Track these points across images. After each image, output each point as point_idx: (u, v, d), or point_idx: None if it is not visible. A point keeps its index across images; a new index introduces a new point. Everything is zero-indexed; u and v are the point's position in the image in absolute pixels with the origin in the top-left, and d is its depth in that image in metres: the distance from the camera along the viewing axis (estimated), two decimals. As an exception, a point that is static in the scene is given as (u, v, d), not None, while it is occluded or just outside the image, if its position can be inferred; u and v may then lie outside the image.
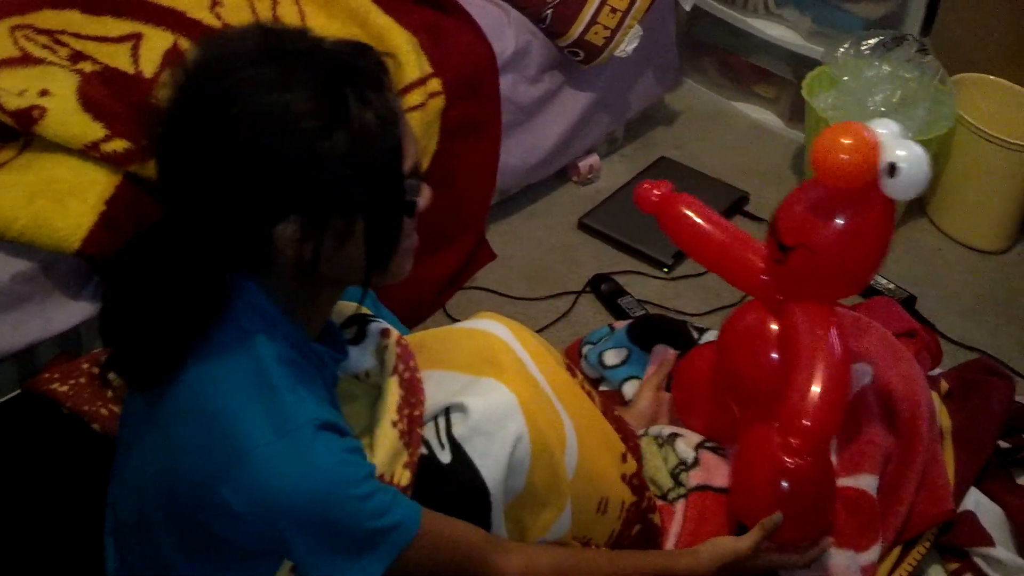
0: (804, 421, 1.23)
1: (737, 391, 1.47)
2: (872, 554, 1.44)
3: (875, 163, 1.27)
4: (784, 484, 1.37)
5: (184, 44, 1.81)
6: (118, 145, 1.65)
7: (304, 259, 1.08)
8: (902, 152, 1.28)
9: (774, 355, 1.41)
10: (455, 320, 2.12)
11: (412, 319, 2.11)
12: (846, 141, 1.26)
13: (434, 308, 2.15)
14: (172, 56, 1.79)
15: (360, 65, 1.08)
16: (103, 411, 1.48)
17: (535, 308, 2.18)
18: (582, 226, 2.37)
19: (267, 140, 1.03)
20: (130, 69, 1.77)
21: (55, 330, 1.63)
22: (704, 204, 1.53)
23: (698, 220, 1.50)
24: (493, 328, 1.38)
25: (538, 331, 2.09)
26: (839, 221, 1.32)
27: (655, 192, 1.52)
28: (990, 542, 1.51)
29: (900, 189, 1.29)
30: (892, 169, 1.27)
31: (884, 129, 1.30)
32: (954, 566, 1.53)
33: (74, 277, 1.66)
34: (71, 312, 1.65)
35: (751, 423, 1.45)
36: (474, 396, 1.27)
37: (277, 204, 1.05)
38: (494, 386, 1.28)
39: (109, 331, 1.14)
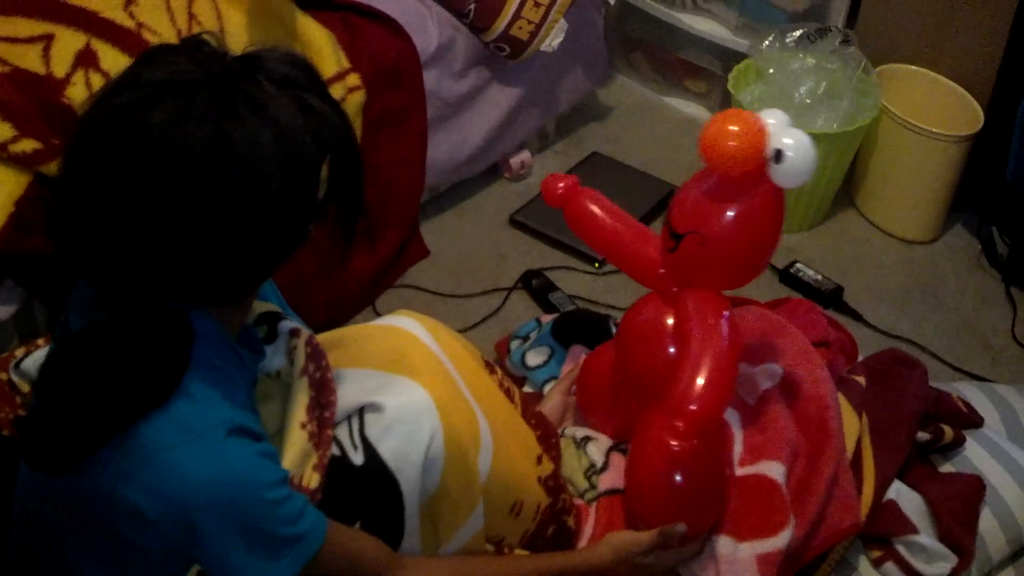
0: (690, 405, 1.23)
1: (635, 386, 1.47)
2: (778, 540, 1.43)
3: (761, 149, 1.28)
4: (669, 471, 1.36)
5: (97, 45, 1.77)
6: (27, 145, 1.62)
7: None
8: (788, 140, 1.29)
9: (671, 350, 1.41)
10: (384, 318, 2.11)
11: (340, 317, 2.10)
12: (733, 128, 1.28)
13: (363, 306, 2.14)
14: (84, 57, 1.76)
15: (290, 59, 1.09)
16: (11, 416, 1.44)
17: (466, 305, 2.17)
18: (513, 223, 2.37)
19: (287, 168, 1.03)
20: (41, 70, 1.74)
21: (-36, 335, 1.60)
22: (606, 197, 1.54)
23: (600, 213, 1.51)
24: (409, 326, 1.37)
25: (469, 328, 2.10)
26: (728, 208, 1.33)
27: (560, 185, 1.52)
28: (913, 529, 1.52)
29: (786, 176, 1.30)
30: (778, 156, 1.28)
31: (773, 119, 1.31)
32: (877, 554, 1.54)
33: (-17, 280, 1.62)
34: (-20, 316, 1.62)
35: (644, 415, 1.44)
36: (389, 395, 1.26)
37: (313, 214, 1.09)
38: (409, 385, 1.27)
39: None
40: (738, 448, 1.50)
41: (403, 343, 1.34)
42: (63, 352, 1.09)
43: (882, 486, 1.55)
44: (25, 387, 1.40)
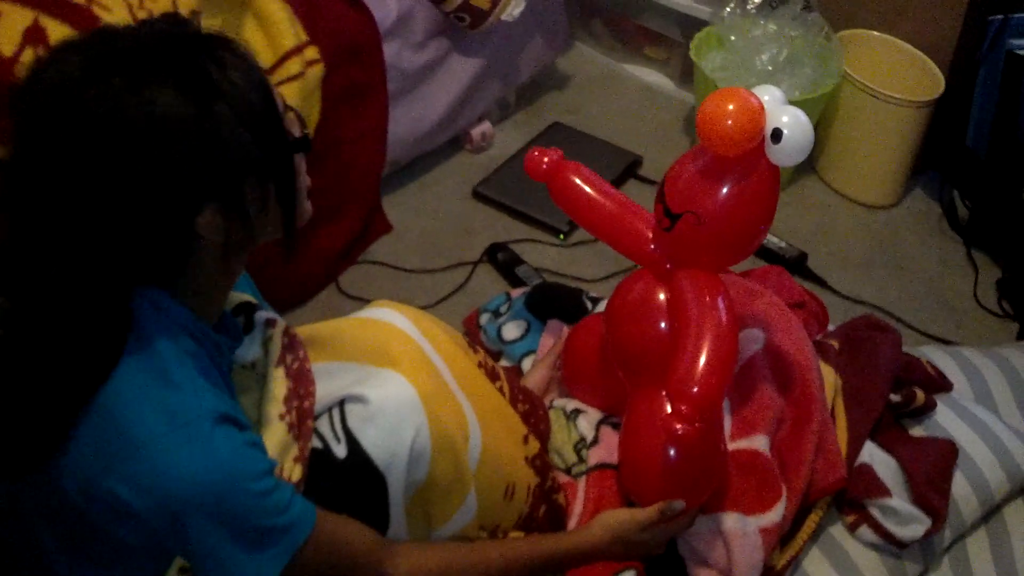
0: (693, 388, 1.22)
1: (626, 362, 1.46)
2: (775, 514, 1.43)
3: (760, 129, 1.26)
4: (672, 452, 1.36)
5: (46, 21, 1.71)
6: (-24, 127, 1.56)
7: (233, 238, 1.06)
8: (786, 118, 1.27)
9: (663, 325, 1.40)
10: (348, 295, 2.09)
11: (303, 294, 2.07)
12: (731, 107, 1.25)
13: (326, 283, 2.11)
14: (32, 34, 1.70)
15: (193, 32, 1.06)
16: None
17: (431, 280, 2.14)
18: (476, 195, 2.34)
19: (156, 150, 0.99)
20: (-12, 48, 1.68)
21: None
22: (593, 172, 1.51)
23: (587, 188, 1.48)
24: (390, 317, 1.34)
25: (435, 304, 2.08)
26: (725, 188, 1.31)
27: (545, 160, 1.49)
28: (887, 492, 1.52)
29: (784, 155, 1.28)
30: (776, 135, 1.27)
31: (767, 95, 1.29)
32: (851, 518, 1.54)
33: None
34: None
35: (637, 393, 1.44)
36: (371, 387, 1.24)
37: (190, 201, 1.03)
38: (393, 378, 1.25)
39: None
40: (728, 421, 1.50)
41: (384, 335, 1.31)
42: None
43: (854, 447, 1.56)
44: None
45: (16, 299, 1.04)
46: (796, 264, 2.20)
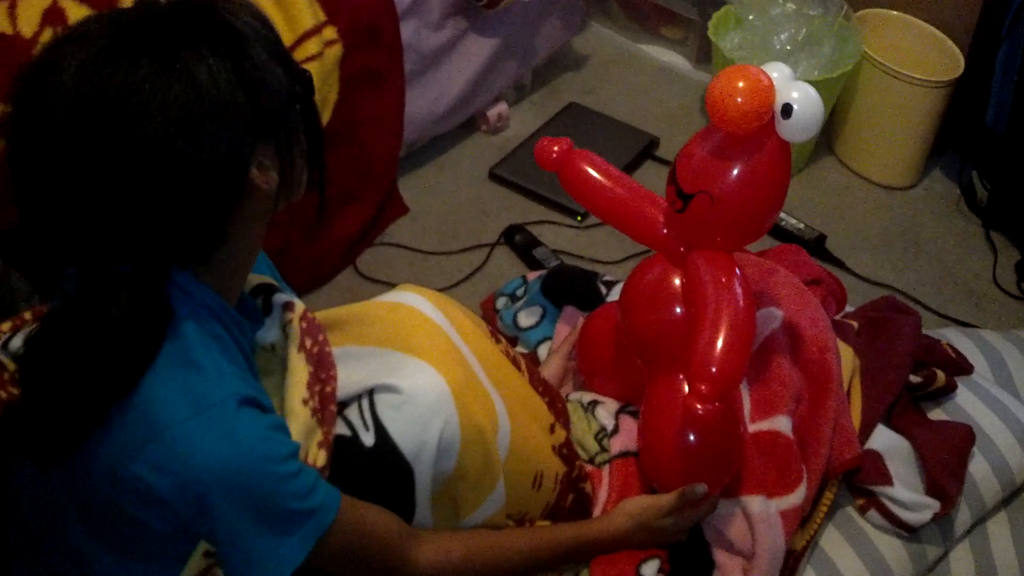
0: (711, 367, 1.22)
1: (642, 349, 1.46)
2: (796, 496, 1.43)
3: (770, 105, 1.26)
4: (692, 434, 1.36)
5: (64, 2, 1.71)
6: (-4, 110, 1.56)
7: (285, 181, 1.09)
8: (796, 93, 1.27)
9: (678, 310, 1.40)
10: (366, 278, 2.09)
11: (322, 277, 2.07)
12: (740, 84, 1.25)
13: (344, 265, 2.11)
14: (52, 15, 1.69)
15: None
16: (1, 394, 1.41)
17: (449, 262, 2.14)
18: (493, 176, 2.34)
19: (209, 120, 0.99)
20: (8, 30, 1.67)
21: (-60, 308, 1.55)
22: (603, 159, 1.52)
23: (597, 176, 1.48)
24: (414, 302, 1.33)
25: (453, 286, 2.08)
26: (737, 166, 1.31)
27: (554, 149, 1.50)
28: (888, 481, 1.52)
29: (795, 131, 1.28)
30: (787, 110, 1.27)
31: (776, 72, 1.29)
32: (860, 502, 1.54)
33: (-43, 251, 1.57)
34: (-44, 288, 1.57)
35: (656, 378, 1.44)
36: (401, 377, 1.23)
37: (244, 157, 1.03)
38: (423, 368, 1.24)
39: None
40: (747, 403, 1.50)
41: (411, 321, 1.30)
42: (32, 339, 1.07)
43: (866, 429, 1.56)
44: (12, 366, 1.37)
45: (50, 286, 1.04)
46: (815, 246, 2.19)
